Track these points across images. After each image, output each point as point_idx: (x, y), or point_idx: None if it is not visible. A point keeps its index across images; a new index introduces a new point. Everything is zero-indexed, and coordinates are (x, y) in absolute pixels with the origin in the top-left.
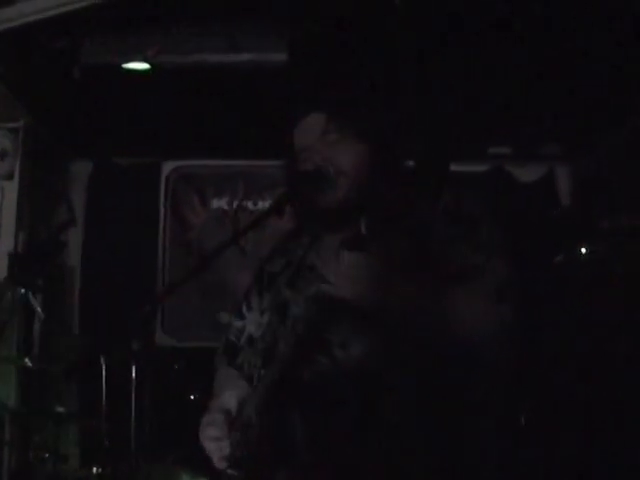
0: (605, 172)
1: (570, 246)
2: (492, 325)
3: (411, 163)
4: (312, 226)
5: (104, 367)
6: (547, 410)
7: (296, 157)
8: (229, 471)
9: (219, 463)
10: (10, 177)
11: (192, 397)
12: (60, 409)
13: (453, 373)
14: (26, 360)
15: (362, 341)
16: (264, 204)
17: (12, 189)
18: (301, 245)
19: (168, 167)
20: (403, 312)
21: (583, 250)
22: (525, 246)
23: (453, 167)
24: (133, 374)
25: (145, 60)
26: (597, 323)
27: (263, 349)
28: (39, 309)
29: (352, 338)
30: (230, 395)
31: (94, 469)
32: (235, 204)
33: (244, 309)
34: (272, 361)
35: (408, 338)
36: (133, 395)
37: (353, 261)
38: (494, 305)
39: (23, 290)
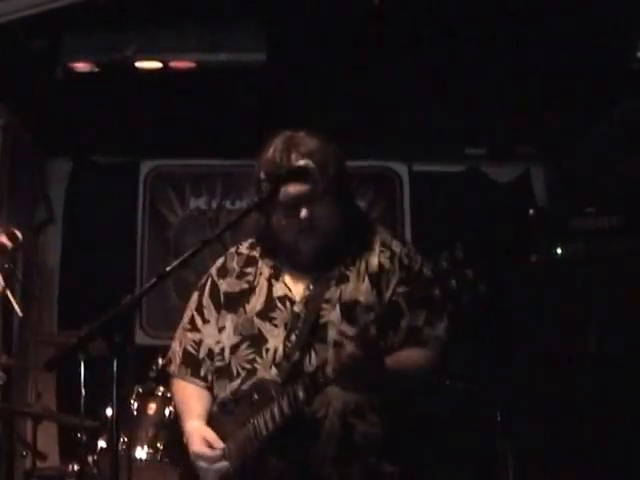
0: (580, 173)
1: (545, 246)
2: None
3: None
4: (284, 263)
5: (82, 364)
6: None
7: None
8: None
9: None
10: None
11: (169, 395)
12: (39, 406)
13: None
14: (5, 357)
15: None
16: (242, 204)
17: None
18: (261, 273)
19: (147, 166)
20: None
21: (558, 250)
22: (500, 245)
23: (431, 168)
24: (114, 368)
25: (124, 59)
26: (571, 322)
27: (222, 367)
28: (17, 307)
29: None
30: (202, 409)
31: (70, 466)
32: (213, 204)
33: (198, 322)
34: (260, 392)
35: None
36: (114, 390)
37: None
38: (440, 362)
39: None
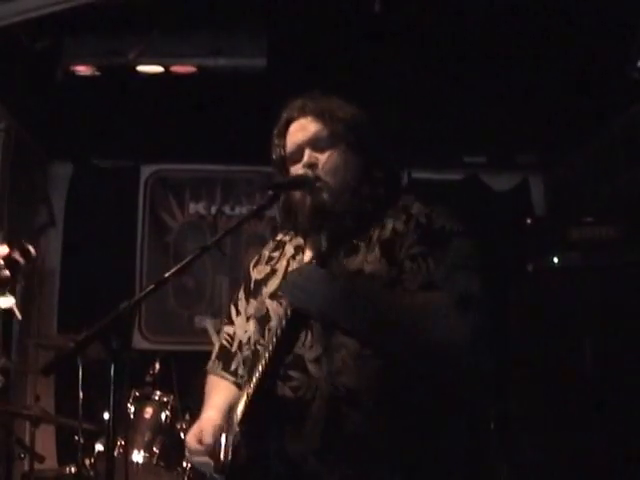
0: (578, 182)
1: (542, 255)
2: (459, 334)
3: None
4: (299, 230)
5: (80, 367)
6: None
7: (286, 156)
8: (214, 475)
9: (205, 469)
10: None
11: (165, 400)
12: (37, 409)
13: (422, 383)
14: (4, 360)
15: (334, 357)
16: (241, 209)
17: None
18: (285, 255)
19: (147, 170)
20: (372, 323)
21: (555, 260)
22: (497, 254)
23: (429, 175)
24: (112, 373)
25: (125, 63)
26: (567, 331)
27: (246, 357)
28: (17, 311)
29: (325, 355)
30: (220, 401)
31: (68, 468)
32: (213, 209)
33: (233, 315)
34: (253, 371)
35: (378, 350)
36: (111, 394)
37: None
38: (460, 315)
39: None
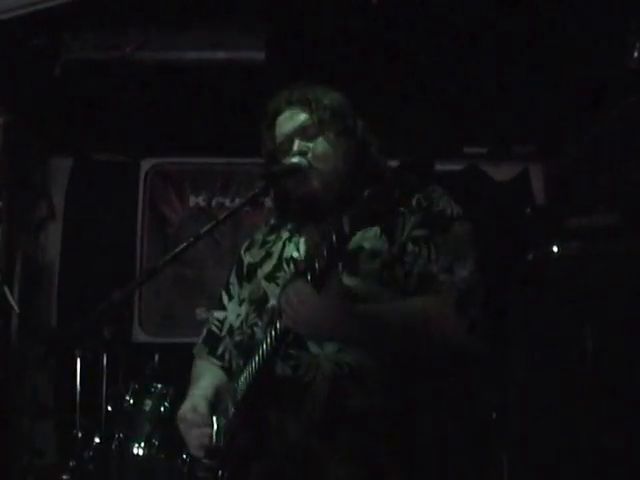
0: (578, 172)
1: (542, 244)
2: (458, 332)
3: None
4: (291, 217)
5: (78, 360)
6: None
7: (276, 148)
8: (205, 460)
9: (196, 451)
10: None
11: (165, 392)
12: (36, 403)
13: (420, 371)
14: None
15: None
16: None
17: None
18: (280, 238)
19: (147, 164)
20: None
21: (555, 248)
22: (498, 244)
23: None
24: (104, 362)
25: (123, 57)
26: (567, 320)
27: (240, 341)
28: (14, 303)
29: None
30: (208, 384)
31: (67, 462)
32: (213, 201)
33: (225, 300)
34: (250, 354)
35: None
36: (104, 384)
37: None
38: (458, 315)
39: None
